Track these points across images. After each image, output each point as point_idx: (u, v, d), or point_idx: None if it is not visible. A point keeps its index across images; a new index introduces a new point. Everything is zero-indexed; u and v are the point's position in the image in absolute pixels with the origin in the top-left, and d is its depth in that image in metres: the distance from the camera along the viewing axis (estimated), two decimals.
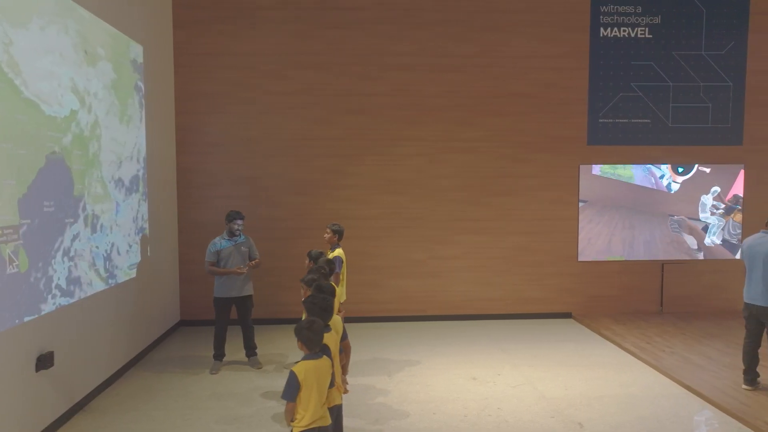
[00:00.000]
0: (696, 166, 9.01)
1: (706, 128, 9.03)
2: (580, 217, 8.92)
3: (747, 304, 5.65)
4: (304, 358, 3.47)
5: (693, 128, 9.01)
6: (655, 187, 8.97)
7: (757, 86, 9.00)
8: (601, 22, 8.83)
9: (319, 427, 3.41)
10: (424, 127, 8.76)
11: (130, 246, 6.73)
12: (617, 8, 8.83)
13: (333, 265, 5.47)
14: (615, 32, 8.84)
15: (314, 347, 3.48)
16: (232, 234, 6.47)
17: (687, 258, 9.06)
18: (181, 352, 7.36)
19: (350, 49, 8.63)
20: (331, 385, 3.68)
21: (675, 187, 8.99)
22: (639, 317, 8.78)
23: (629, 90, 8.90)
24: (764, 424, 4.93)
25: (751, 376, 5.74)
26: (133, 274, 6.81)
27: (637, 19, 8.86)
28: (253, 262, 6.65)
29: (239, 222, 6.45)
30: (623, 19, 8.84)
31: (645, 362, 6.73)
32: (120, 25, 6.44)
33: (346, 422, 4.77)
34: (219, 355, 6.55)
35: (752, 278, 5.57)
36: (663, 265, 9.03)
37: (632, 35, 8.85)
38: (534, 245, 8.99)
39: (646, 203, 8.98)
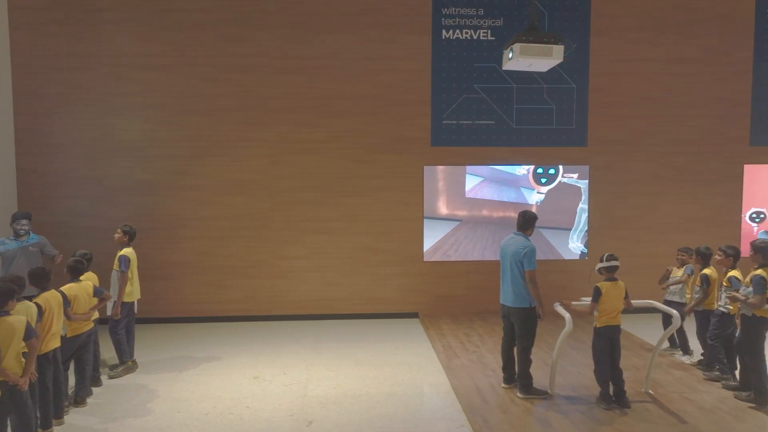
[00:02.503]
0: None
1: (550, 130, 9.11)
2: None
3: (501, 304, 5.72)
4: None
5: (537, 130, 9.09)
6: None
7: (599, 88, 9.09)
8: (443, 24, 8.90)
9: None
10: (266, 129, 8.82)
11: None
12: (459, 10, 8.90)
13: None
14: (457, 34, 8.92)
15: None
16: (17, 235, 6.51)
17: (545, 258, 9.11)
18: None
19: (192, 51, 8.68)
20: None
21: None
22: (480, 317, 8.86)
23: (473, 92, 8.98)
24: (483, 423, 5.00)
25: (507, 374, 5.81)
26: None
27: (479, 21, 8.93)
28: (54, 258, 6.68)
29: (23, 222, 6.50)
30: (465, 21, 8.91)
31: (440, 361, 6.80)
32: None
33: (85, 421, 4.91)
34: None
35: (504, 279, 5.64)
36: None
37: (475, 37, 8.93)
38: (380, 245, 9.06)
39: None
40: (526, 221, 5.62)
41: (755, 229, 9.38)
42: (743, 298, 5.35)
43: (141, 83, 8.65)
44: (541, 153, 9.12)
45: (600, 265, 5.33)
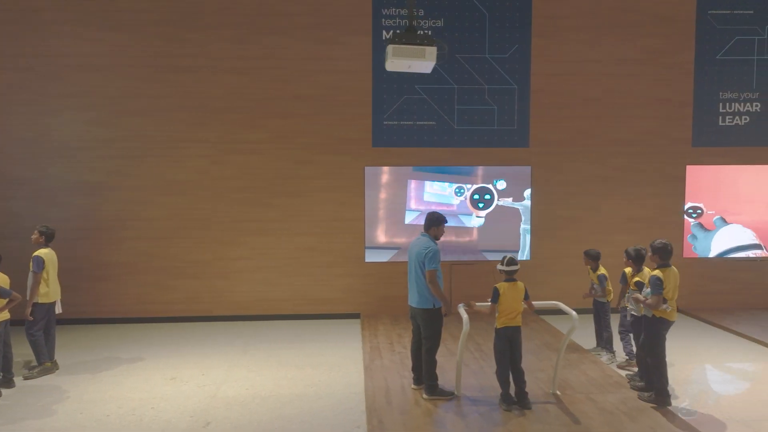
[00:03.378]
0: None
1: (492, 130, 9.12)
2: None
3: (409, 306, 5.73)
4: None
5: (479, 130, 9.10)
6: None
7: (541, 89, 9.10)
8: (384, 25, 8.90)
9: None
10: (207, 129, 8.82)
11: None
12: (399, 11, 8.91)
13: None
14: None
15: None
16: None
17: (474, 259, 9.14)
18: None
19: (131, 52, 8.67)
20: None
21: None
22: None
23: (414, 92, 8.99)
24: (377, 424, 5.01)
25: (416, 375, 5.82)
26: None
27: (419, 22, 8.94)
28: None
29: None
30: (406, 22, 8.87)
31: (363, 362, 6.80)
32: None
33: None
34: None
35: (410, 280, 5.65)
36: (451, 266, 9.10)
37: None
38: (321, 246, 9.06)
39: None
40: (431, 222, 5.62)
41: (692, 223, 9.37)
42: (643, 299, 5.37)
43: (80, 84, 8.64)
44: (483, 154, 9.12)
45: (499, 267, 5.34)
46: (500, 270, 5.33)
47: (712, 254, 9.37)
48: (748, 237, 9.40)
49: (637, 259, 6.11)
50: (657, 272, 5.29)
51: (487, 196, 9.06)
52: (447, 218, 5.73)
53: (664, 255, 5.34)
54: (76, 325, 8.64)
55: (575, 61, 9.12)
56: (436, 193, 9.02)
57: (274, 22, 8.78)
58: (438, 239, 5.59)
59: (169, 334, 8.24)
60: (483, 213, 9.08)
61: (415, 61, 5.06)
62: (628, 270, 6.31)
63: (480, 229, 9.09)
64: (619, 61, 9.16)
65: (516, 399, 5.34)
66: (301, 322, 8.89)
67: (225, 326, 8.66)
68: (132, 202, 8.80)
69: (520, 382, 5.34)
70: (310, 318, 9.06)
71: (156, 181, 8.81)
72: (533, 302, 5.47)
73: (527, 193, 9.06)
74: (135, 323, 8.81)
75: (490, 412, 5.24)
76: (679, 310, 9.36)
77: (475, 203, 9.05)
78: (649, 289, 5.30)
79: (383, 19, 8.90)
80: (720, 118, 9.30)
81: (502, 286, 5.27)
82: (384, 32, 8.90)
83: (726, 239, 9.39)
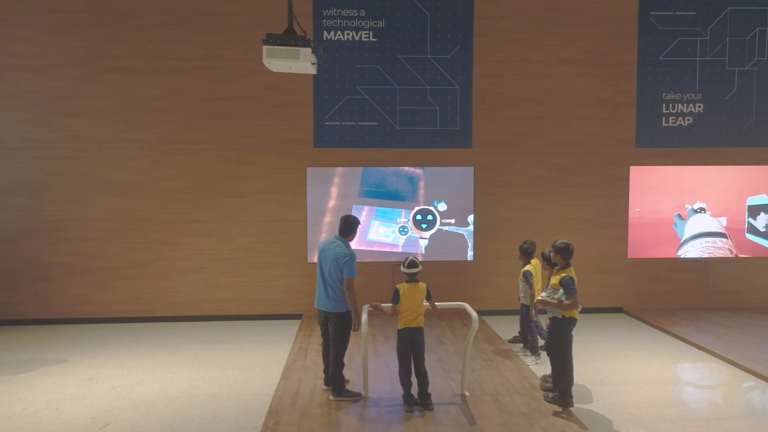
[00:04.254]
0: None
1: (434, 131, 9.11)
2: None
3: (318, 310, 5.71)
4: None
5: (422, 131, 9.09)
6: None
7: (483, 89, 9.10)
8: (325, 25, 8.89)
9: None
10: (147, 130, 8.80)
11: None
12: (340, 12, 8.90)
13: None
14: (339, 36, 8.91)
15: None
16: None
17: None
18: None
19: (69, 52, 8.65)
20: None
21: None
22: None
23: (355, 93, 8.98)
24: (274, 425, 5.00)
25: (327, 376, 5.81)
26: None
27: (361, 23, 8.93)
28: None
29: None
30: (347, 23, 8.91)
31: (278, 365, 6.78)
32: None
33: None
34: None
35: (321, 283, 5.63)
36: (393, 268, 9.10)
37: (356, 39, 8.93)
38: (263, 247, 9.05)
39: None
40: (347, 226, 5.61)
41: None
42: (556, 302, 5.33)
43: (17, 84, 8.61)
44: (426, 154, 9.12)
45: (402, 269, 5.33)
46: (402, 271, 5.33)
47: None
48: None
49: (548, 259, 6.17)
50: (569, 272, 5.28)
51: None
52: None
53: (566, 255, 5.34)
54: (14, 327, 8.62)
55: (517, 61, 9.12)
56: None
57: (213, 23, 8.76)
58: (351, 242, 5.62)
59: (104, 334, 8.22)
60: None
61: (293, 62, 5.04)
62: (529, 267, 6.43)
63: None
64: (562, 61, 9.16)
65: (419, 400, 5.34)
66: (242, 323, 8.88)
67: (165, 327, 8.65)
68: (71, 202, 8.78)
69: (423, 384, 5.34)
70: (251, 319, 9.06)
71: (96, 181, 8.79)
72: (436, 303, 5.46)
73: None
74: (74, 324, 8.79)
75: (390, 414, 5.23)
76: (623, 311, 9.48)
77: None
78: (562, 291, 5.28)
79: (324, 20, 8.88)
80: (663, 119, 9.31)
81: (403, 287, 5.26)
82: (325, 32, 8.90)
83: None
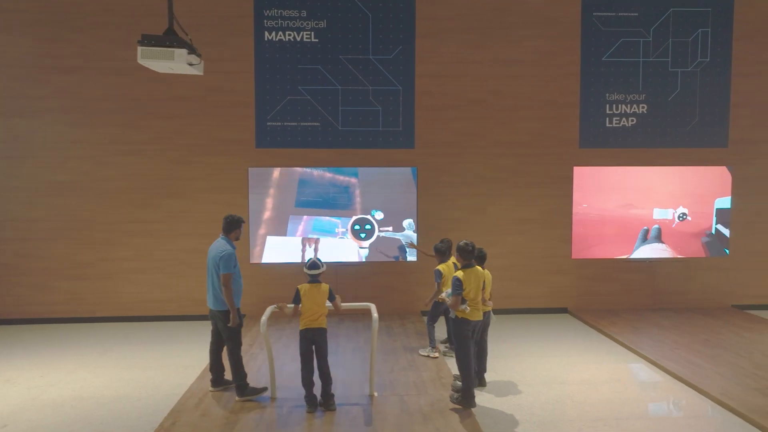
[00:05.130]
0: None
1: (377, 131, 9.12)
2: None
3: (209, 308, 5.75)
4: None
5: (364, 131, 9.10)
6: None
7: (426, 90, 9.11)
8: (266, 26, 8.90)
9: None
10: (89, 130, 8.81)
11: None
12: (281, 12, 8.91)
13: None
14: (280, 36, 8.92)
15: None
16: None
17: (357, 261, 9.14)
18: None
19: (12, 52, 8.66)
20: None
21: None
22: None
23: (297, 93, 8.99)
24: (170, 425, 5.01)
25: (214, 377, 5.85)
26: None
27: (302, 23, 8.94)
28: None
29: None
30: (288, 23, 8.92)
31: (202, 366, 6.78)
32: None
33: None
34: None
35: (208, 282, 5.68)
36: (337, 269, 9.10)
37: (298, 39, 8.94)
38: (205, 247, 8.97)
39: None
40: (229, 224, 5.72)
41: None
42: (446, 299, 5.37)
43: None
44: (368, 155, 9.13)
45: (304, 269, 5.34)
46: (304, 272, 5.35)
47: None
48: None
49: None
50: (459, 273, 5.30)
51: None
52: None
53: (465, 255, 5.35)
54: None
55: (460, 62, 9.13)
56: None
57: (155, 23, 8.73)
58: (237, 240, 5.68)
59: (40, 335, 8.23)
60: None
61: (170, 62, 5.06)
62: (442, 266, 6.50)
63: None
64: (505, 62, 9.17)
65: (322, 401, 5.35)
66: (184, 323, 8.89)
67: (106, 327, 8.65)
68: (13, 202, 8.79)
69: (325, 384, 5.35)
70: (194, 319, 9.06)
71: (38, 182, 8.80)
72: (340, 303, 5.48)
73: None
74: (14, 325, 8.79)
75: (291, 415, 5.24)
76: (568, 311, 9.49)
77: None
78: (450, 290, 5.31)
79: (265, 20, 8.89)
80: (607, 119, 9.32)
81: (304, 287, 5.28)
82: (266, 33, 8.91)
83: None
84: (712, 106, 9.36)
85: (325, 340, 5.34)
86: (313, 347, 5.29)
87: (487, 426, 5.04)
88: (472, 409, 5.33)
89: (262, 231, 8.98)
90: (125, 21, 8.72)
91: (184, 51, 5.04)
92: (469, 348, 5.40)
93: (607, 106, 9.30)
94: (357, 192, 8.94)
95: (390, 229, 9.03)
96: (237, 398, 5.57)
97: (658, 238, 9.26)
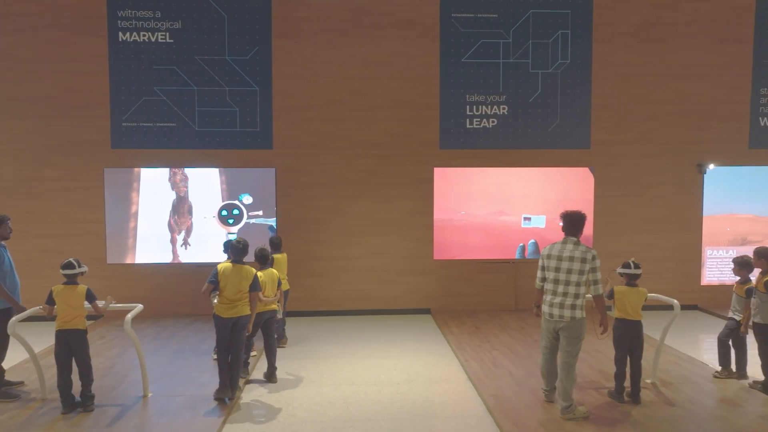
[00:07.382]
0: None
1: (234, 132, 9.12)
2: None
3: None
4: None
5: (221, 132, 9.10)
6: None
7: (283, 91, 9.11)
8: (120, 26, 8.89)
9: None
10: None
11: None
12: (135, 13, 8.89)
13: None
14: (135, 37, 8.91)
15: None
16: None
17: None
18: None
19: None
20: None
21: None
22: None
23: (153, 94, 8.97)
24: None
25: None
26: None
27: (156, 24, 8.93)
28: None
29: None
30: (142, 24, 8.91)
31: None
32: None
33: None
34: None
35: None
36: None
37: (153, 40, 8.93)
38: (61, 247, 9.01)
39: None
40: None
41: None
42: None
43: None
44: (226, 155, 9.12)
45: (60, 269, 5.34)
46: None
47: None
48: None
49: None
50: (263, 274, 5.56)
51: (236, 212, 9.03)
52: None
53: (259, 259, 5.60)
54: None
55: (318, 63, 9.13)
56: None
57: (7, 23, 8.74)
58: (6, 239, 5.67)
59: None
60: (235, 229, 9.04)
61: None
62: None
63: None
64: (364, 63, 9.18)
65: (80, 400, 5.34)
66: (37, 325, 8.83)
67: None
68: None
69: (84, 385, 5.32)
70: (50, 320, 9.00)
71: None
72: (111, 304, 5.50)
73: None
74: None
75: (41, 416, 5.22)
76: (430, 312, 9.49)
77: (224, 220, 9.01)
78: None
79: (119, 21, 8.88)
80: (467, 120, 9.34)
81: (57, 288, 5.32)
82: (120, 33, 8.89)
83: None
84: (574, 108, 9.39)
85: (82, 342, 5.32)
86: (69, 349, 5.26)
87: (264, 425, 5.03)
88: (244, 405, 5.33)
89: (130, 238, 8.95)
90: None
91: None
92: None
93: (468, 107, 9.33)
94: (222, 178, 9.04)
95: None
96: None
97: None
